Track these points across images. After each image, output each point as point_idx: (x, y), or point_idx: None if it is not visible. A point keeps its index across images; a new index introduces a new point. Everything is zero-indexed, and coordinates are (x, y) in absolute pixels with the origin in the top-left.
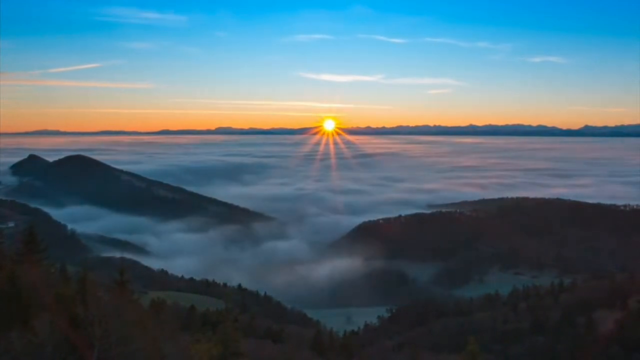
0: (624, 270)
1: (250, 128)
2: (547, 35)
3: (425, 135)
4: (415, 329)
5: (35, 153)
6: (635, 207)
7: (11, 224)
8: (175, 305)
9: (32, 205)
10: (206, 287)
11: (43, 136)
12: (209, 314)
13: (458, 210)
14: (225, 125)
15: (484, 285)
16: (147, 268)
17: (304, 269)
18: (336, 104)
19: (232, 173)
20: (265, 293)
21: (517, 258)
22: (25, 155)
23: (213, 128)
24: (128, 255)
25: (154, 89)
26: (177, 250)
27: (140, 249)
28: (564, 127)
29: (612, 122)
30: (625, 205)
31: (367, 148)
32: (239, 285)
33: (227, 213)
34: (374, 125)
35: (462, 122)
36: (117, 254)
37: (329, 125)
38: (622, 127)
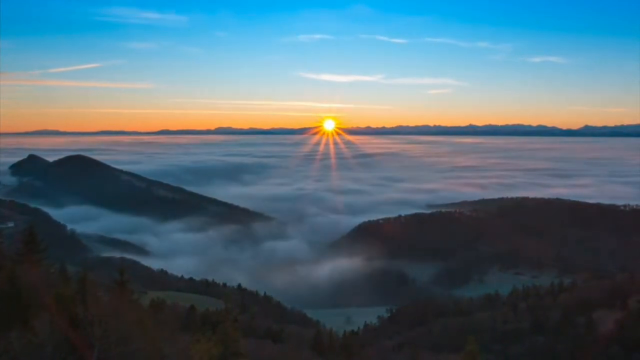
0: (623, 270)
1: (250, 128)
2: (547, 36)
3: (425, 135)
4: (415, 329)
5: (35, 153)
6: (635, 207)
7: (11, 224)
8: (175, 305)
9: (32, 205)
10: (206, 287)
11: (43, 136)
12: (209, 314)
13: (458, 210)
14: (225, 125)
15: (484, 285)
16: (146, 268)
17: (304, 269)
18: (336, 104)
19: (232, 173)
20: (265, 293)
21: (517, 258)
22: (25, 155)
23: (213, 128)
24: (128, 255)
25: (154, 89)
26: (177, 250)
27: (140, 249)
28: (564, 127)
29: (612, 122)
30: (625, 205)
31: (367, 148)
32: (239, 285)
33: (227, 213)
34: (373, 125)
35: (462, 122)
36: (117, 254)
37: (329, 125)
38: (622, 127)
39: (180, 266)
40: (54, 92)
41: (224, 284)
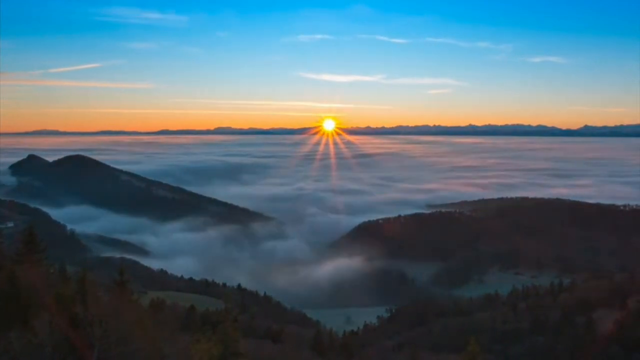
0: (623, 270)
1: (250, 128)
2: (547, 36)
3: (424, 135)
4: (415, 329)
5: (35, 153)
6: (635, 207)
7: (10, 224)
8: (175, 305)
9: (32, 205)
10: (206, 287)
11: (42, 136)
12: (209, 314)
13: (458, 210)
14: (224, 125)
15: (484, 285)
16: (146, 268)
17: (304, 269)
18: (336, 104)
19: (232, 173)
20: (265, 293)
21: (517, 258)
22: (24, 155)
23: (212, 128)
24: (128, 255)
25: (154, 89)
26: (177, 250)
27: (140, 249)
28: (564, 127)
29: (611, 122)
30: (624, 205)
31: (367, 148)
32: (239, 285)
33: (227, 213)
34: (373, 125)
35: (462, 122)
36: (117, 254)
37: (329, 125)
38: (622, 127)
39: (180, 266)
40: (54, 92)
41: (224, 284)
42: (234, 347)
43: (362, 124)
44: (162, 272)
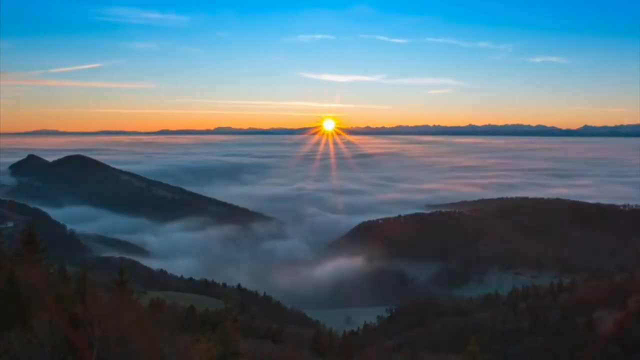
0: (623, 270)
1: (250, 128)
2: (548, 36)
3: (424, 135)
4: (415, 329)
5: (35, 153)
6: (634, 207)
7: (10, 224)
8: (175, 305)
9: (31, 205)
10: (205, 287)
11: (42, 136)
12: (208, 314)
13: (457, 210)
14: (224, 125)
15: (484, 285)
16: (146, 268)
17: (304, 269)
18: (336, 104)
19: (232, 173)
20: (265, 293)
21: (517, 258)
22: (24, 155)
23: (212, 128)
24: (127, 256)
25: (154, 89)
26: (177, 250)
27: (140, 249)
28: (564, 127)
29: (611, 122)
30: (624, 205)
31: (367, 148)
32: (239, 285)
33: (227, 213)
34: (373, 125)
35: (462, 122)
36: (117, 254)
37: (329, 125)
38: (622, 127)
39: (180, 266)
40: (55, 92)
41: (224, 284)
42: (234, 347)
43: (362, 124)
44: (162, 272)
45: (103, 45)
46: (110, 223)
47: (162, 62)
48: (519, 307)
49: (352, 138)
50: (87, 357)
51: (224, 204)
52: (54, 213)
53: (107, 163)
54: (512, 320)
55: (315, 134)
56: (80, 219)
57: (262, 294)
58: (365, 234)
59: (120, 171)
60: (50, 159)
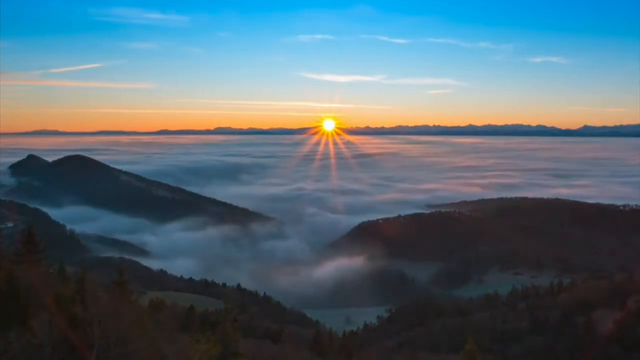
0: (623, 270)
1: (250, 128)
2: (548, 36)
3: (424, 135)
4: (415, 329)
5: (34, 153)
6: (634, 207)
7: (10, 224)
8: (174, 305)
9: (31, 205)
10: (205, 287)
11: (42, 136)
12: (208, 314)
13: (457, 210)
14: (224, 125)
15: (483, 285)
16: (146, 268)
17: (304, 269)
18: (336, 104)
19: (231, 173)
20: (265, 293)
21: (517, 258)
22: (24, 155)
23: (212, 128)
24: (127, 256)
25: (155, 89)
26: (176, 250)
27: (140, 249)
28: (563, 127)
29: (611, 122)
30: (624, 205)
31: (367, 148)
32: (238, 285)
33: (226, 213)
34: (373, 125)
35: (462, 122)
36: (116, 254)
37: (329, 125)
38: (621, 127)
39: (180, 266)
40: (55, 92)
41: (224, 284)
42: (234, 347)
43: (362, 124)
44: (162, 272)
45: (103, 45)
46: (110, 223)
47: (163, 62)
48: (519, 307)
49: (351, 138)
50: (86, 357)
51: (224, 204)
52: (54, 213)
53: (107, 163)
54: (512, 320)
55: (315, 134)
56: (80, 219)
57: (261, 294)
58: (365, 234)
59: (120, 171)
60: (50, 159)
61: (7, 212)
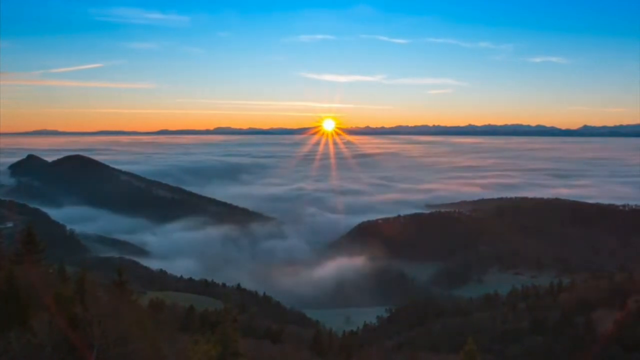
0: (623, 270)
1: (250, 128)
2: (548, 36)
3: (424, 135)
4: (415, 329)
5: (34, 153)
6: (634, 207)
7: (10, 224)
8: (174, 305)
9: (31, 205)
10: (205, 287)
11: (42, 136)
12: (208, 314)
13: (457, 210)
14: (224, 125)
15: (483, 285)
16: (146, 268)
17: (304, 269)
18: (336, 104)
19: (231, 173)
20: (265, 293)
21: (516, 258)
22: (23, 156)
23: (212, 128)
24: (127, 256)
25: (155, 89)
26: (176, 250)
27: (139, 249)
28: (563, 127)
29: (611, 122)
30: (624, 205)
31: (366, 148)
32: (238, 285)
33: (226, 213)
34: (373, 125)
35: (462, 122)
36: (116, 254)
37: (329, 126)
38: (621, 127)
39: (180, 266)
40: (55, 92)
41: (223, 284)
42: (234, 347)
43: (362, 124)
44: (162, 272)
45: (103, 45)
46: (110, 223)
47: (163, 62)
48: (519, 307)
49: (351, 138)
50: (86, 357)
51: (224, 204)
52: (54, 213)
53: (107, 163)
54: (512, 320)
55: (315, 134)
56: (79, 219)
57: (261, 294)
58: (365, 234)
59: (120, 171)
60: (49, 159)
61: (7, 212)
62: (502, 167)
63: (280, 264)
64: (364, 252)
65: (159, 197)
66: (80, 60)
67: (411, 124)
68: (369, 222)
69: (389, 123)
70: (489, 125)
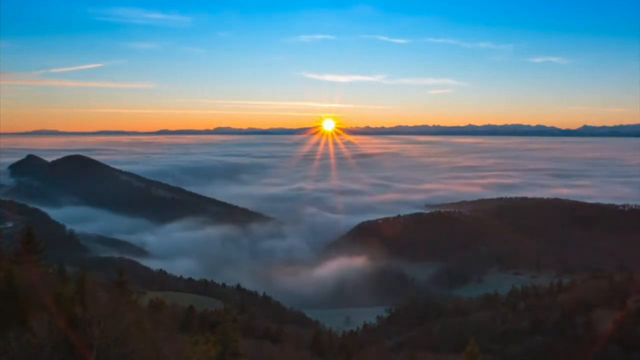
0: (622, 270)
1: (249, 128)
2: (548, 36)
3: (424, 135)
4: (414, 329)
5: (34, 153)
6: (634, 207)
7: (9, 224)
8: (174, 305)
9: (31, 205)
10: (205, 288)
11: (41, 136)
12: (208, 315)
13: (457, 210)
14: (224, 125)
15: (483, 285)
16: (145, 268)
17: (303, 269)
18: (336, 104)
19: (231, 173)
20: (264, 293)
21: (516, 258)
22: (23, 156)
23: (212, 128)
24: (127, 256)
25: (155, 89)
26: (176, 250)
27: (139, 249)
28: (563, 127)
29: (611, 122)
30: (624, 205)
31: (366, 148)
32: (238, 286)
33: (226, 213)
34: (373, 125)
35: (462, 122)
36: (116, 254)
37: (328, 125)
38: (621, 127)
39: (179, 266)
40: (55, 92)
41: (223, 284)
42: (233, 347)
43: (362, 124)
44: (162, 273)
45: (103, 46)
46: (110, 223)
47: (163, 62)
48: (519, 307)
49: (351, 138)
50: (86, 357)
51: (224, 204)
52: (53, 213)
53: (107, 163)
54: (512, 320)
55: (314, 134)
56: (79, 219)
57: (261, 294)
58: (365, 234)
59: (120, 171)
60: (49, 159)
61: (6, 212)
62: (502, 167)
63: (280, 264)
64: (363, 252)
65: (158, 197)
66: (80, 60)
67: (411, 124)
68: (369, 222)
69: (389, 123)
70: (489, 125)
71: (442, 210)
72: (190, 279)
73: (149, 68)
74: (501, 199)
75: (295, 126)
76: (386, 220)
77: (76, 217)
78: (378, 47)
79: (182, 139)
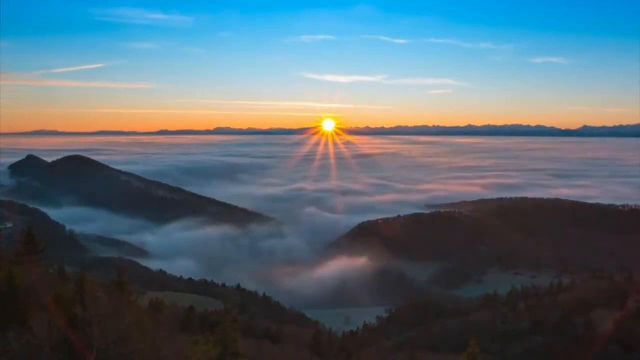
0: (622, 270)
1: (249, 128)
2: (548, 36)
3: (424, 135)
4: (414, 329)
5: (34, 153)
6: (634, 207)
7: (9, 225)
8: (174, 305)
9: (31, 205)
10: (205, 288)
11: (41, 136)
12: (208, 315)
13: (457, 210)
14: (224, 125)
15: (483, 285)
16: (145, 268)
17: (303, 269)
18: (336, 104)
19: (231, 173)
20: (264, 293)
21: (516, 258)
22: (23, 156)
23: (212, 128)
24: (126, 256)
25: (155, 89)
26: (176, 250)
27: (139, 249)
28: (563, 127)
29: (610, 122)
30: (624, 205)
31: (366, 148)
32: (238, 286)
33: (226, 213)
34: (372, 125)
35: (461, 122)
36: (116, 254)
37: (328, 126)
38: (621, 127)
39: (179, 266)
40: (56, 92)
41: (223, 284)
42: (233, 347)
43: (362, 124)
44: (161, 273)
45: (104, 46)
46: (110, 223)
47: (163, 62)
48: (518, 307)
49: (351, 138)
50: (86, 357)
51: (223, 204)
52: (53, 213)
53: (106, 163)
54: (512, 320)
55: (314, 134)
56: (79, 219)
57: (261, 294)
58: (365, 234)
59: (120, 171)
60: (49, 159)
61: (6, 212)
62: (502, 167)
63: (280, 264)
64: (363, 252)
65: (158, 197)
66: (81, 60)
67: (411, 124)
68: (368, 222)
69: (389, 123)
70: (489, 125)
71: (442, 210)
72: (190, 279)
73: (149, 68)
74: (501, 199)
75: (295, 126)
76: (386, 220)
77: (76, 217)
78: (378, 47)
79: (181, 139)
